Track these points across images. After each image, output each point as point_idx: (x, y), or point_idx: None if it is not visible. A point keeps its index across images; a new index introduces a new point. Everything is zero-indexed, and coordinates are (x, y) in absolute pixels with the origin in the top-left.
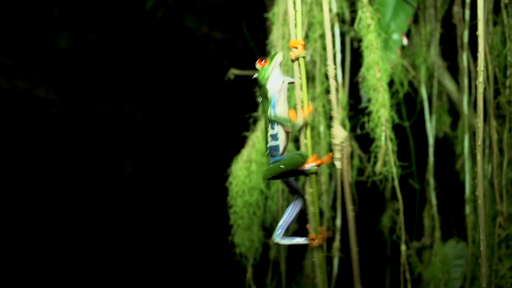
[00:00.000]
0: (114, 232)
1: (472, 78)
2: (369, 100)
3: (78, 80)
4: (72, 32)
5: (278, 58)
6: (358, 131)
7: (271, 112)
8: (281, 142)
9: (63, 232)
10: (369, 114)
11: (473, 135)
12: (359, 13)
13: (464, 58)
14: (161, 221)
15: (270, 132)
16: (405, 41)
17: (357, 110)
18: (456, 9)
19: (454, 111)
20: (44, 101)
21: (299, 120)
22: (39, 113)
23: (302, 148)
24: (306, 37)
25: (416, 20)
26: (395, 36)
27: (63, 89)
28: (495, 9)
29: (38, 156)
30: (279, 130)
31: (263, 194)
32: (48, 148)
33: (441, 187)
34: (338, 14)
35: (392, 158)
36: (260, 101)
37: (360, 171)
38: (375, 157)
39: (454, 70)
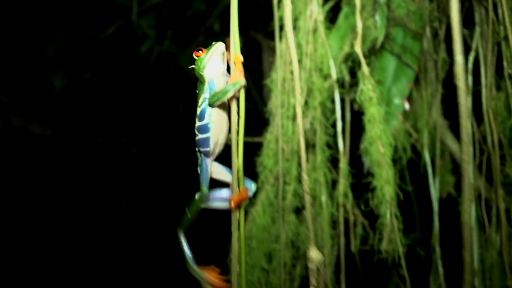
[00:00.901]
0: (111, 267)
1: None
2: (371, 168)
3: (73, 115)
4: (67, 71)
5: (218, 47)
6: (362, 206)
7: (205, 99)
8: (212, 134)
9: (59, 267)
10: (372, 190)
11: (479, 202)
12: (361, 84)
13: (468, 125)
14: (157, 253)
15: (197, 124)
16: (406, 106)
17: (359, 175)
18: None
19: (457, 170)
20: (39, 137)
21: (239, 78)
22: (34, 149)
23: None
24: (306, 104)
25: (417, 82)
26: (397, 101)
27: (58, 125)
28: (497, 72)
29: (34, 191)
30: (210, 120)
31: (264, 271)
32: (44, 183)
33: (446, 252)
34: (338, 80)
35: (398, 236)
36: (197, 92)
37: (364, 239)
38: (380, 234)
39: (456, 129)
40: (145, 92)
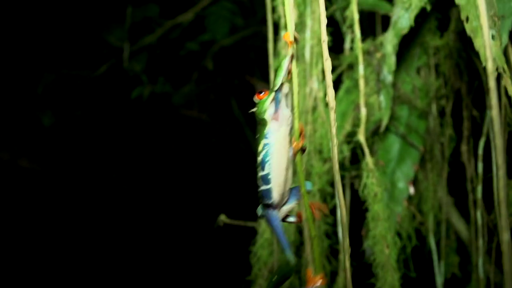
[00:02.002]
0: None
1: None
2: (373, 254)
3: (62, 150)
4: (56, 109)
5: (282, 89)
6: None
7: (264, 147)
8: (274, 185)
9: None
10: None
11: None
12: (364, 177)
13: (479, 216)
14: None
15: (260, 173)
16: (411, 190)
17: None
18: (464, 147)
19: (462, 250)
20: (27, 171)
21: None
22: (22, 184)
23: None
24: None
25: (422, 161)
26: (401, 185)
27: (46, 159)
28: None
29: (22, 224)
30: (270, 170)
31: None
32: (32, 217)
33: None
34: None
35: None
36: (257, 138)
37: None
38: None
39: (461, 204)
40: (136, 131)
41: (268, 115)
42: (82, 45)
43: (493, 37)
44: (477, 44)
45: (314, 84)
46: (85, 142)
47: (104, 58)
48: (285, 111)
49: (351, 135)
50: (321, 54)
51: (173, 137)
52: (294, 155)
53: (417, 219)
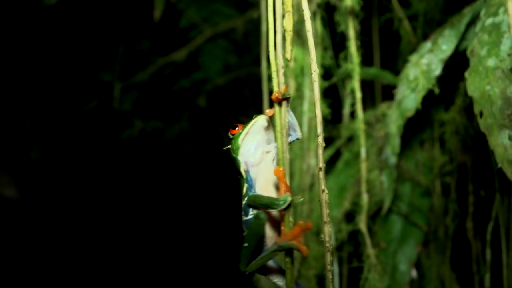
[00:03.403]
0: None
1: None
2: None
3: (48, 182)
4: (44, 143)
5: (258, 122)
6: None
7: (247, 194)
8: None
9: None
10: None
11: None
12: (365, 271)
13: None
14: None
15: (244, 218)
16: (414, 274)
17: None
18: (469, 224)
19: None
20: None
21: (286, 196)
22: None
23: None
24: (299, 273)
25: (425, 241)
26: (403, 267)
27: (33, 191)
28: None
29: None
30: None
31: None
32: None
33: None
34: (336, 239)
35: None
36: (240, 179)
37: None
38: None
39: (463, 280)
40: (127, 163)
41: (242, 155)
42: (74, 81)
43: (509, 137)
44: (492, 143)
45: (312, 159)
46: (73, 172)
47: (96, 94)
48: (260, 148)
49: (350, 215)
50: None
51: (163, 169)
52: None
53: None
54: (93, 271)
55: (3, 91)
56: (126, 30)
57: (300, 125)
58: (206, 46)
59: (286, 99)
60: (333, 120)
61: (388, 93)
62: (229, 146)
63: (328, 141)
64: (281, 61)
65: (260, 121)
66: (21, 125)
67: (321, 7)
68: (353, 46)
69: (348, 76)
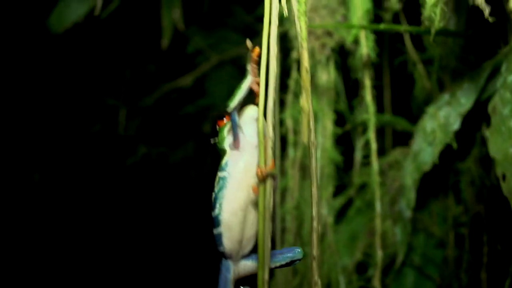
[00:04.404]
0: None
1: None
2: None
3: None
4: (45, 167)
5: (247, 113)
6: None
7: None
8: (225, 229)
9: None
10: None
11: None
12: None
13: None
14: None
15: (212, 213)
16: None
17: None
18: (484, 275)
19: None
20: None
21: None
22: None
23: None
24: None
25: None
26: None
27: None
28: None
29: None
30: (221, 210)
31: None
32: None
33: None
34: None
35: None
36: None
37: None
38: None
39: None
40: (131, 186)
41: (227, 144)
42: (80, 104)
43: None
44: None
45: (323, 209)
46: (75, 194)
47: (100, 117)
48: (250, 138)
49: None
50: (332, 176)
51: (167, 194)
52: (258, 188)
53: None
54: None
55: (8, 111)
56: (133, 54)
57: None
58: (212, 72)
59: (272, 177)
60: (344, 166)
61: (399, 137)
62: (216, 139)
63: (340, 188)
64: (270, 133)
65: (250, 111)
66: (25, 146)
67: (335, 51)
68: (368, 95)
69: (361, 123)
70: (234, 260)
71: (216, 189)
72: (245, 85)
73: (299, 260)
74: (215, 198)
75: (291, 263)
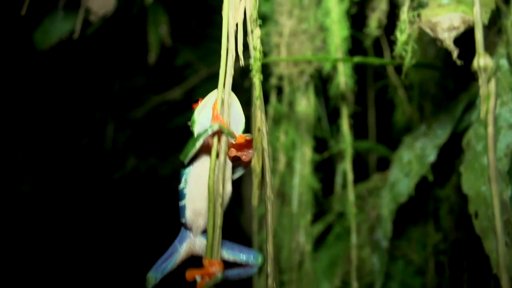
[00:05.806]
0: None
1: None
2: None
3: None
4: (35, 177)
5: (214, 96)
6: None
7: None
8: (189, 201)
9: None
10: None
11: None
12: None
13: None
14: None
15: (178, 186)
16: None
17: None
18: None
19: None
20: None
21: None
22: None
23: None
24: None
25: None
26: None
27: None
28: None
29: None
30: (187, 183)
31: None
32: None
33: None
34: None
35: None
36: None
37: None
38: None
39: None
40: (120, 198)
41: (197, 128)
42: (68, 116)
43: (506, 244)
44: (487, 246)
45: (301, 237)
46: (63, 206)
47: (88, 130)
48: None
49: None
50: (310, 203)
51: (156, 207)
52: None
53: None
54: None
55: None
56: (121, 68)
57: (290, 199)
58: (202, 85)
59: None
60: (326, 190)
61: (384, 159)
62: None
63: (319, 215)
64: (220, 193)
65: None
66: (13, 158)
67: (315, 77)
68: (345, 125)
69: (341, 150)
70: (194, 233)
71: (184, 163)
72: (199, 143)
73: (257, 266)
74: (181, 173)
75: (246, 267)
